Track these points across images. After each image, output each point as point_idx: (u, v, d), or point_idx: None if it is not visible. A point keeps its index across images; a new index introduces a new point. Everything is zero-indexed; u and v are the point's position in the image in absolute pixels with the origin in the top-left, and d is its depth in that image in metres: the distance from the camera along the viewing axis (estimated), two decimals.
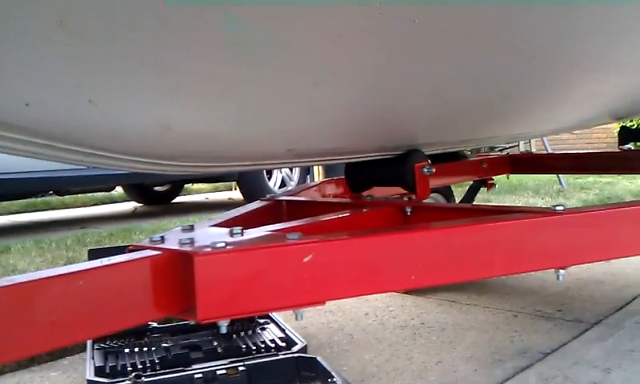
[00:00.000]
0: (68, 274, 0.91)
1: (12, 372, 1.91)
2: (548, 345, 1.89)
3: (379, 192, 1.88)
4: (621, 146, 2.96)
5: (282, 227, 1.32)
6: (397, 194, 1.85)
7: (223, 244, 1.02)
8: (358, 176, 1.85)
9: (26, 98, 0.94)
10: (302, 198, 1.89)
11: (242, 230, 1.18)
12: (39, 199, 7.61)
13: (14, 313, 0.85)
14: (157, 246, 1.08)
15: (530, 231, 1.31)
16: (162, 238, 1.13)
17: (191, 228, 1.27)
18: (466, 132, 1.99)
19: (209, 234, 1.19)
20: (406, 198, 1.76)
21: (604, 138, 11.07)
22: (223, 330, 1.04)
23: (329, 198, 2.06)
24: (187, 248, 1.04)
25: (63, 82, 0.95)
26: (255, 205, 1.75)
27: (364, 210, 1.55)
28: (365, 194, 1.87)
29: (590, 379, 1.61)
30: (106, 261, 0.97)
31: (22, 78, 0.92)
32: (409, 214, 1.58)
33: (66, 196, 7.26)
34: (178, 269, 1.02)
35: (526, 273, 1.55)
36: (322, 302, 1.09)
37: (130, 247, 1.09)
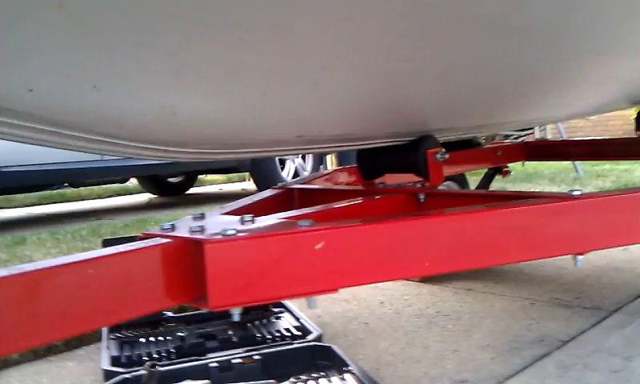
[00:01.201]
0: (77, 262, 0.90)
1: (29, 362, 1.92)
2: (566, 333, 1.86)
3: (392, 179, 1.86)
4: (638, 132, 2.91)
5: (294, 215, 1.31)
6: (410, 181, 1.83)
7: (234, 231, 1.01)
8: (370, 163, 1.84)
9: (30, 84, 0.93)
10: (314, 186, 1.87)
11: (253, 217, 1.17)
12: (54, 191, 7.68)
13: (23, 302, 0.84)
14: (167, 233, 1.07)
15: (547, 217, 1.29)
16: (173, 226, 1.12)
17: (202, 216, 1.26)
18: (478, 117, 1.96)
19: (219, 221, 1.18)
20: (419, 185, 1.74)
21: (620, 125, 10.92)
22: (236, 318, 1.03)
23: (341, 185, 2.04)
24: (198, 236, 1.03)
25: (66, 67, 0.94)
26: (267, 193, 1.74)
27: (376, 197, 1.53)
28: (377, 181, 1.85)
29: (610, 367, 1.59)
30: (115, 249, 0.96)
31: (25, 64, 0.91)
32: (422, 200, 1.56)
33: (81, 188, 7.33)
34: (188, 256, 1.01)
35: (542, 259, 1.52)
36: (335, 290, 1.08)
37: (141, 235, 1.08)
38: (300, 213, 1.33)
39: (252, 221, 1.16)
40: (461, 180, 2.84)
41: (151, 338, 1.82)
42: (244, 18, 0.96)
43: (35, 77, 0.94)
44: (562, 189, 5.19)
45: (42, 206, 7.23)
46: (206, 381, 1.43)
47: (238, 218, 1.19)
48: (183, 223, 1.15)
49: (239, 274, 0.99)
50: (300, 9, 0.99)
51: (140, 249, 0.98)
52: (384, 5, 1.06)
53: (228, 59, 1.05)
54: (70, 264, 0.90)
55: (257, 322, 1.91)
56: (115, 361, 1.67)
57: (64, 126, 1.05)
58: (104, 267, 0.93)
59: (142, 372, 1.48)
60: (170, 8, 0.89)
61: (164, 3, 0.87)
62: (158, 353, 1.70)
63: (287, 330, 1.82)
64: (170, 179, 7.44)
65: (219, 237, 1.00)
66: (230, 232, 1.01)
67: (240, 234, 1.02)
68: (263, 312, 1.98)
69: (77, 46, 0.89)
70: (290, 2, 0.97)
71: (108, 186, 8.11)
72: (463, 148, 2.63)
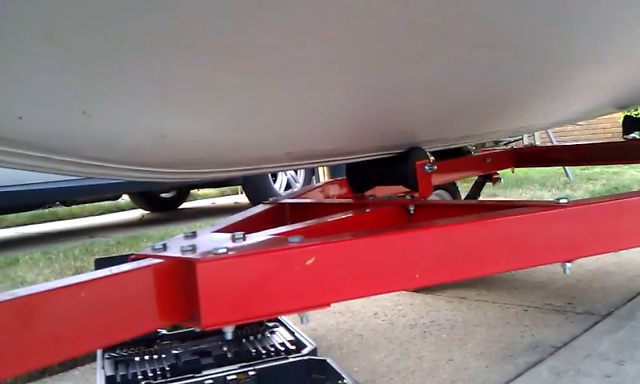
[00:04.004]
0: (70, 285, 0.91)
1: None
2: (559, 338, 1.88)
3: (382, 191, 1.87)
4: (625, 136, 2.94)
5: (285, 230, 1.31)
6: (400, 192, 1.85)
7: (225, 250, 1.02)
8: (360, 176, 1.85)
9: (19, 111, 0.94)
10: (305, 200, 1.88)
11: (244, 234, 1.18)
12: (47, 210, 7.65)
13: (17, 327, 0.84)
14: (159, 253, 1.07)
15: (535, 225, 1.30)
16: (165, 245, 1.13)
17: (193, 234, 1.27)
18: (466, 128, 1.98)
19: (211, 240, 1.19)
20: (408, 197, 1.75)
21: (609, 127, 11.01)
22: (229, 336, 1.04)
23: (332, 199, 2.05)
24: (189, 255, 1.03)
25: (55, 94, 0.95)
26: (258, 208, 1.75)
27: (367, 210, 1.54)
28: (367, 193, 1.87)
29: (602, 372, 1.60)
30: (108, 271, 0.97)
31: (14, 93, 0.92)
32: (412, 212, 1.57)
33: (73, 206, 7.30)
34: (180, 276, 1.01)
35: (533, 267, 1.54)
36: (327, 304, 1.08)
37: (133, 256, 1.09)
38: (290, 229, 1.34)
39: (243, 238, 1.17)
40: (451, 188, 2.86)
41: (146, 357, 1.82)
42: (230, 41, 0.97)
43: (25, 105, 0.95)
44: (553, 193, 5.22)
45: (34, 226, 7.20)
46: None
47: (229, 235, 1.20)
48: (175, 242, 1.16)
49: (231, 293, 1.00)
50: (285, 31, 1.00)
51: (132, 270, 0.98)
52: (367, 24, 1.08)
53: (215, 82, 1.06)
54: (62, 288, 0.90)
55: (251, 338, 1.91)
56: (110, 381, 1.66)
57: (54, 152, 1.06)
58: (96, 290, 0.93)
59: None
60: (157, 33, 0.90)
61: (150, 29, 0.88)
62: (153, 371, 1.70)
63: (282, 344, 1.82)
64: (163, 195, 7.42)
65: (211, 256, 1.01)
66: (221, 251, 1.02)
67: (231, 253, 1.02)
68: (257, 327, 1.98)
69: (65, 73, 0.90)
70: (276, 26, 0.98)
71: (100, 203, 8.08)
72: (452, 157, 2.65)
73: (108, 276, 0.95)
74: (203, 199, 9.05)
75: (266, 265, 1.03)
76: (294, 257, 1.05)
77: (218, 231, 1.38)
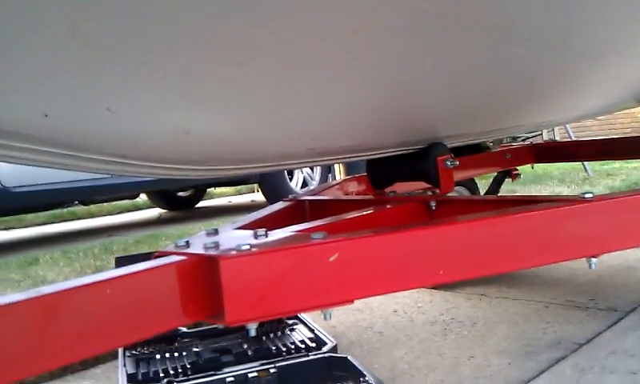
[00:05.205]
0: (94, 283, 0.91)
1: (46, 382, 1.93)
2: (582, 335, 1.85)
3: (402, 187, 1.86)
4: None
5: (306, 227, 1.31)
6: (420, 188, 1.83)
7: (248, 246, 1.02)
8: (381, 172, 1.84)
9: (45, 109, 0.94)
10: (325, 197, 1.87)
11: (266, 231, 1.17)
12: (65, 210, 7.72)
13: (42, 324, 0.85)
14: (182, 251, 1.07)
15: (560, 220, 1.28)
16: (187, 242, 1.12)
17: (215, 232, 1.27)
18: (487, 122, 1.96)
19: (233, 236, 1.19)
20: (430, 193, 1.74)
21: (628, 122, 10.90)
22: (252, 333, 1.04)
23: (351, 195, 2.04)
24: (212, 252, 1.03)
25: (80, 91, 0.95)
26: (278, 205, 1.74)
27: (388, 207, 1.53)
28: (388, 190, 1.86)
29: (628, 368, 1.58)
30: (131, 268, 0.97)
31: (40, 90, 0.92)
32: (434, 208, 1.56)
33: (92, 205, 7.36)
34: (204, 273, 1.01)
35: (557, 263, 1.52)
36: (351, 301, 1.08)
37: (156, 253, 1.09)
38: (313, 225, 1.33)
39: (265, 235, 1.16)
40: (470, 185, 2.84)
41: (167, 354, 1.82)
42: (254, 37, 0.97)
43: (50, 102, 0.95)
44: (572, 189, 5.16)
45: (53, 225, 7.27)
46: None
47: (251, 232, 1.19)
48: (197, 240, 1.16)
49: (255, 289, 1.00)
50: (309, 26, 1.00)
51: (156, 267, 0.98)
52: (390, 18, 1.07)
53: (239, 77, 1.06)
54: (87, 285, 0.90)
55: (271, 335, 1.91)
56: (132, 378, 1.67)
57: (79, 149, 1.06)
58: (121, 287, 0.93)
59: None
60: (181, 30, 0.90)
61: (175, 26, 0.88)
62: (175, 369, 1.70)
63: (302, 341, 1.82)
64: (180, 193, 7.46)
65: (234, 252, 1.01)
66: (244, 247, 1.02)
67: (254, 249, 1.02)
68: (277, 324, 1.98)
69: (90, 70, 0.91)
70: (299, 20, 0.98)
71: (118, 202, 8.14)
72: (472, 153, 2.63)
73: (132, 273, 0.95)
74: (220, 198, 9.08)
75: (290, 261, 1.03)
76: (317, 253, 1.05)
77: (239, 228, 1.38)
